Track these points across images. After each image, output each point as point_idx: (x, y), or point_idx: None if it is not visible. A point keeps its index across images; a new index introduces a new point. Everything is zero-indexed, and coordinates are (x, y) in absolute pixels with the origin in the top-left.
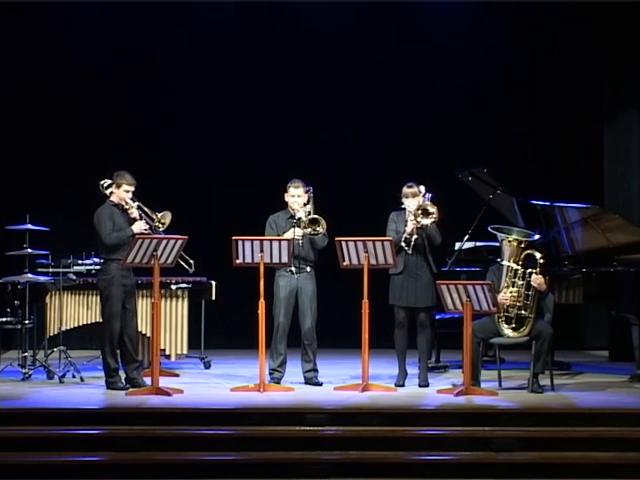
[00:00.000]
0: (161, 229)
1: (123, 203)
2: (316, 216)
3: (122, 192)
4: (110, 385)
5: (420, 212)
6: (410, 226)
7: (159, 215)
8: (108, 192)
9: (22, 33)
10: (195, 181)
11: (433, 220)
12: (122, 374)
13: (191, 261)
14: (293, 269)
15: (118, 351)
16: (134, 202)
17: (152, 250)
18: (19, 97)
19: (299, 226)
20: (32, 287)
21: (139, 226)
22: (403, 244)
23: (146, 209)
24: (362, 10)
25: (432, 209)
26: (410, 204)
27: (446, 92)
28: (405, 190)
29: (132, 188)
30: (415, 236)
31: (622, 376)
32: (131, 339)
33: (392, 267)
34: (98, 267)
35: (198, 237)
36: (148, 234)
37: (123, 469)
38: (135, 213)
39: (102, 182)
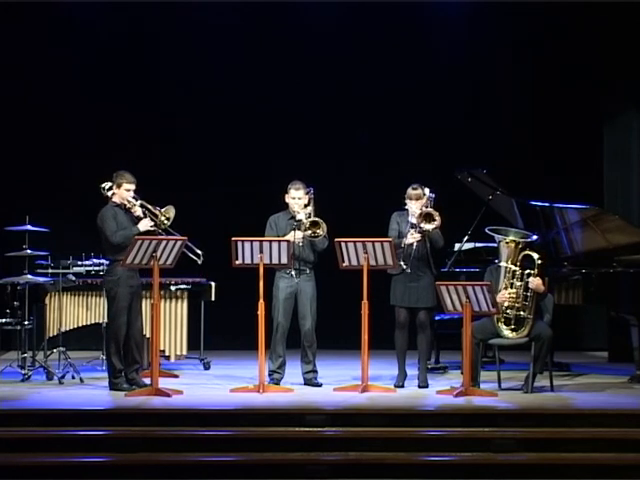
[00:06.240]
0: (167, 224)
1: (125, 202)
2: (317, 219)
3: (123, 191)
4: (114, 386)
5: (422, 218)
6: (410, 240)
7: (162, 210)
8: (110, 194)
9: (22, 33)
10: (195, 181)
11: (435, 226)
12: None
13: (199, 251)
14: (293, 271)
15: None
16: (137, 200)
17: (152, 251)
18: (19, 98)
19: (299, 228)
20: (31, 288)
21: (145, 224)
22: (402, 263)
23: (149, 206)
24: (362, 11)
25: (435, 215)
26: (413, 206)
27: (446, 92)
28: (409, 192)
29: (133, 186)
30: (415, 244)
31: (621, 377)
32: (135, 340)
33: (392, 268)
34: (98, 268)
35: (198, 238)
36: (154, 231)
37: (123, 470)
38: (139, 211)
39: (103, 185)
